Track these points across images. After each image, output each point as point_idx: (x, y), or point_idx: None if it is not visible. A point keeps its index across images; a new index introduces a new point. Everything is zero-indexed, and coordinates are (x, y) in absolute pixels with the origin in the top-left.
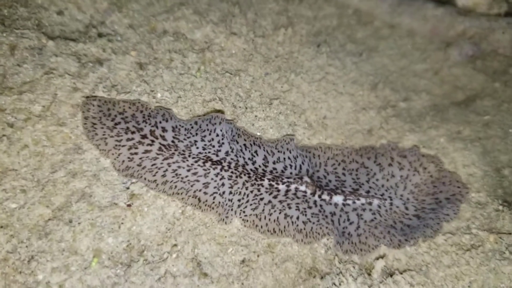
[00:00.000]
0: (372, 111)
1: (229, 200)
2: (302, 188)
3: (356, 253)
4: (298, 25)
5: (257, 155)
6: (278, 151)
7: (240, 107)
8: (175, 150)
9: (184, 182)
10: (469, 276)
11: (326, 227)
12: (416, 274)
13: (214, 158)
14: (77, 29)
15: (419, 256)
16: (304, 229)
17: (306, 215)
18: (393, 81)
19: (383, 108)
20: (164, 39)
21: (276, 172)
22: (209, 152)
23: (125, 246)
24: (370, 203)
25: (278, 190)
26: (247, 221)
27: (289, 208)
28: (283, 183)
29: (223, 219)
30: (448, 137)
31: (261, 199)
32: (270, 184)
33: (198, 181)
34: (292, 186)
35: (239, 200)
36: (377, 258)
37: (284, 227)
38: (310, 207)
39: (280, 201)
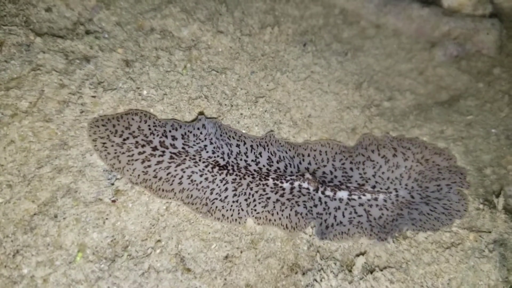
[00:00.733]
0: (356, 110)
1: (236, 201)
2: (305, 185)
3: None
4: (284, 24)
5: (261, 156)
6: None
7: (225, 104)
8: (186, 155)
9: (199, 190)
10: (448, 274)
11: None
12: (396, 271)
13: (221, 162)
14: (65, 26)
15: (400, 253)
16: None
17: (312, 213)
18: (377, 81)
19: (367, 107)
20: (151, 37)
21: (280, 171)
22: (217, 156)
23: (110, 241)
24: (376, 199)
25: (283, 189)
26: (260, 218)
27: (298, 205)
28: (287, 181)
29: (237, 220)
30: (431, 136)
31: (268, 198)
32: (274, 184)
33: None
34: (296, 183)
35: (245, 200)
36: (358, 255)
37: (296, 223)
38: (315, 205)
39: (288, 199)
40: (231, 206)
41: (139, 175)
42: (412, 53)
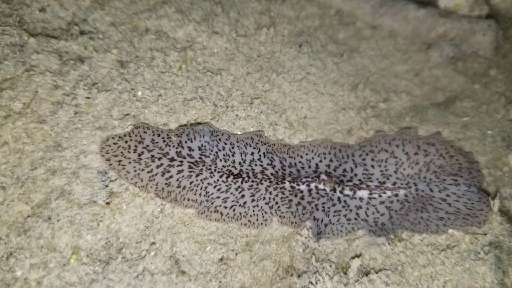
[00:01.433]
0: (352, 111)
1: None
2: (321, 186)
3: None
4: (280, 25)
5: (274, 159)
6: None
7: (221, 106)
8: (203, 165)
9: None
10: (444, 276)
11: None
12: (392, 273)
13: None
14: (59, 27)
15: (395, 255)
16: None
17: (328, 215)
18: (373, 82)
19: (363, 109)
20: (146, 38)
21: (293, 174)
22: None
23: (104, 243)
24: (396, 195)
25: (302, 191)
26: (284, 217)
27: (317, 210)
28: (303, 183)
29: (263, 223)
30: None
31: (290, 200)
32: (291, 186)
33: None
34: (312, 185)
35: (267, 204)
36: (353, 257)
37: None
38: (334, 205)
39: (309, 202)
40: (253, 211)
41: (163, 189)
42: (408, 54)
